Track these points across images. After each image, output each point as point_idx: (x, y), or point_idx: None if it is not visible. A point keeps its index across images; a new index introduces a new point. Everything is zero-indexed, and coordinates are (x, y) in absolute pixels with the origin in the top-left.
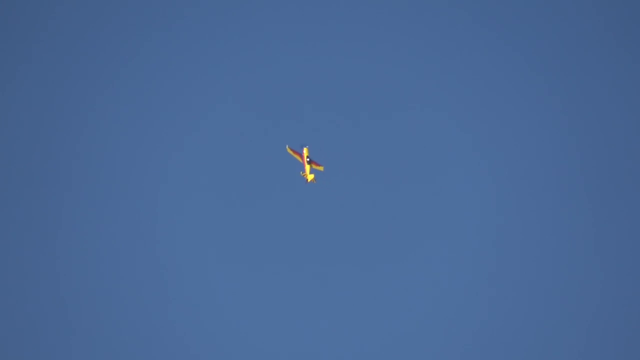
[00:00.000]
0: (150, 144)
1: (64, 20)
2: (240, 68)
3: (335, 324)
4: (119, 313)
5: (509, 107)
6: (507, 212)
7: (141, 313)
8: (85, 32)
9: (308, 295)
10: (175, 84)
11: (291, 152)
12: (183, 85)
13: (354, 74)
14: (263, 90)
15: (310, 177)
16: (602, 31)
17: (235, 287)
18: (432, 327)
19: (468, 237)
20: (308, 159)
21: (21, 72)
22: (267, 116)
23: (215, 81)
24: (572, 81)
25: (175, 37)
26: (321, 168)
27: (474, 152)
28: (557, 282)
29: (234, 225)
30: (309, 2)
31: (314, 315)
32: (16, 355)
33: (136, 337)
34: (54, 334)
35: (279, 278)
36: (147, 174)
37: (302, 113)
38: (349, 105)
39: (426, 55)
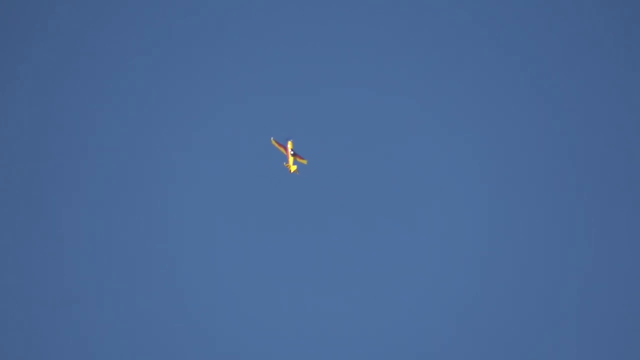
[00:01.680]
0: (153, 142)
1: (65, 20)
2: (243, 69)
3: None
4: (125, 309)
5: (502, 105)
6: (499, 209)
7: (146, 308)
8: (88, 33)
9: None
10: (177, 83)
11: (276, 145)
12: (184, 84)
13: (352, 76)
14: (263, 91)
15: (293, 167)
16: (601, 31)
17: (239, 271)
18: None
19: (463, 233)
20: (292, 152)
21: (25, 71)
22: (268, 114)
23: (219, 81)
24: (563, 81)
25: (182, 37)
26: (305, 161)
27: (471, 151)
28: (545, 277)
29: (237, 209)
30: (309, 2)
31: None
32: (25, 355)
33: (141, 332)
34: (62, 332)
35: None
36: (150, 172)
37: (300, 112)
38: (345, 103)
39: (418, 53)
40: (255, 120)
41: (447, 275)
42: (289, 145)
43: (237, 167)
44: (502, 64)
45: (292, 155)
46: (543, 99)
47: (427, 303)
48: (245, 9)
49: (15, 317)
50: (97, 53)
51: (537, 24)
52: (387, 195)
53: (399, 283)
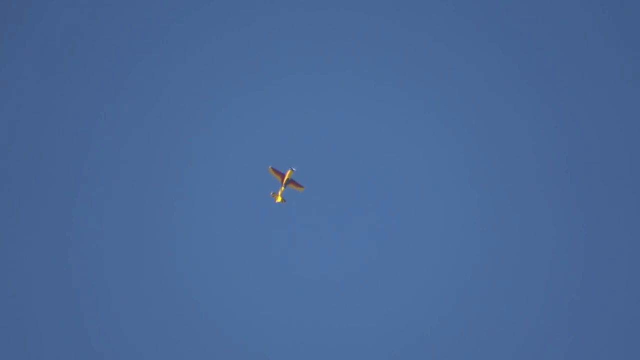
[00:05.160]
0: (156, 141)
1: (65, 19)
2: (245, 68)
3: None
4: (127, 309)
5: (496, 105)
6: (495, 209)
7: (150, 309)
8: (89, 32)
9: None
10: (181, 82)
11: (273, 173)
12: (189, 83)
13: (348, 73)
14: (264, 88)
15: (279, 199)
16: (600, 30)
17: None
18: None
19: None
20: (289, 180)
21: (26, 71)
22: (267, 114)
23: (223, 80)
24: (558, 80)
25: (183, 36)
26: (301, 189)
27: (467, 149)
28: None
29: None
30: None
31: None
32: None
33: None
34: (65, 333)
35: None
36: (152, 171)
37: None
38: (336, 102)
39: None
40: (258, 120)
41: (445, 274)
42: (288, 174)
43: (238, 166)
44: (497, 63)
45: (289, 183)
46: (539, 99)
47: (425, 302)
48: (245, 8)
49: (19, 318)
50: (99, 52)
51: (532, 22)
52: (383, 193)
53: (396, 281)
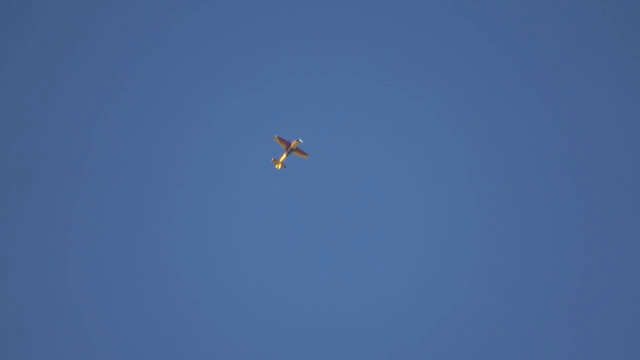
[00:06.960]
0: (156, 141)
1: (66, 19)
2: (243, 67)
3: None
4: (127, 310)
5: (494, 104)
6: (494, 208)
7: (150, 310)
8: (90, 32)
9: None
10: (180, 81)
11: (278, 142)
12: (188, 82)
13: (346, 70)
14: (262, 88)
15: (279, 165)
16: (598, 29)
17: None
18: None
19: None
20: (294, 148)
21: (27, 71)
22: (266, 113)
23: (222, 79)
24: (554, 80)
25: (189, 38)
26: (306, 156)
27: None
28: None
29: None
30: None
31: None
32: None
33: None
34: (65, 334)
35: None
36: (152, 171)
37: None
38: (337, 96)
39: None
40: (258, 120)
41: (445, 274)
42: (294, 143)
43: (238, 166)
44: (497, 63)
45: (294, 151)
46: (539, 99)
47: (425, 302)
48: (245, 8)
49: (19, 318)
50: (99, 52)
51: (532, 22)
52: (383, 193)
53: (395, 281)
